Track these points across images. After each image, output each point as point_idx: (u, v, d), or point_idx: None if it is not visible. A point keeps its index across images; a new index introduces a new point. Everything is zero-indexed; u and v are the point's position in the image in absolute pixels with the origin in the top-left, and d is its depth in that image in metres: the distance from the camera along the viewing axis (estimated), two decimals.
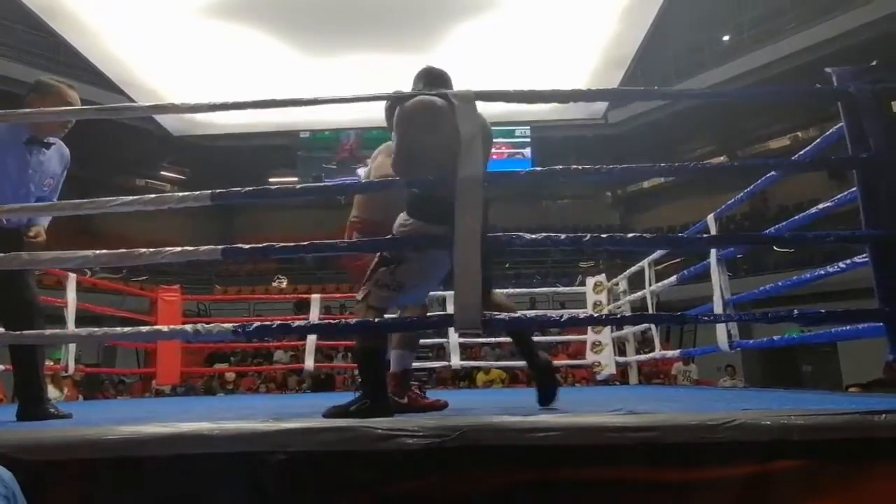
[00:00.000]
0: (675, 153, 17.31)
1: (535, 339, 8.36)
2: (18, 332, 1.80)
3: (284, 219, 16.97)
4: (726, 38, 15.03)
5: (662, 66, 14.66)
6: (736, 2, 14.58)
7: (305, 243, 1.75)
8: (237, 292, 13.13)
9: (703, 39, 14.64)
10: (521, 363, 9.19)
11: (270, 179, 17.12)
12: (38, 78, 2.48)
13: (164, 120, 5.49)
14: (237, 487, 1.43)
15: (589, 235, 1.73)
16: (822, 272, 2.42)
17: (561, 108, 5.67)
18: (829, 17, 12.03)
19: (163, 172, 17.79)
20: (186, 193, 1.76)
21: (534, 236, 1.73)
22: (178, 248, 1.73)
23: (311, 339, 5.50)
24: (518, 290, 7.73)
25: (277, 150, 15.60)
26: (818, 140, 2.33)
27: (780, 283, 2.79)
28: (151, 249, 1.77)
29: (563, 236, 1.79)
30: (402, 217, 2.11)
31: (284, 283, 14.48)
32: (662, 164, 1.90)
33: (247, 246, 1.78)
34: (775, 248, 3.43)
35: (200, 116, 5.44)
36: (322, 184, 2.16)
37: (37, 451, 1.28)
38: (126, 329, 1.89)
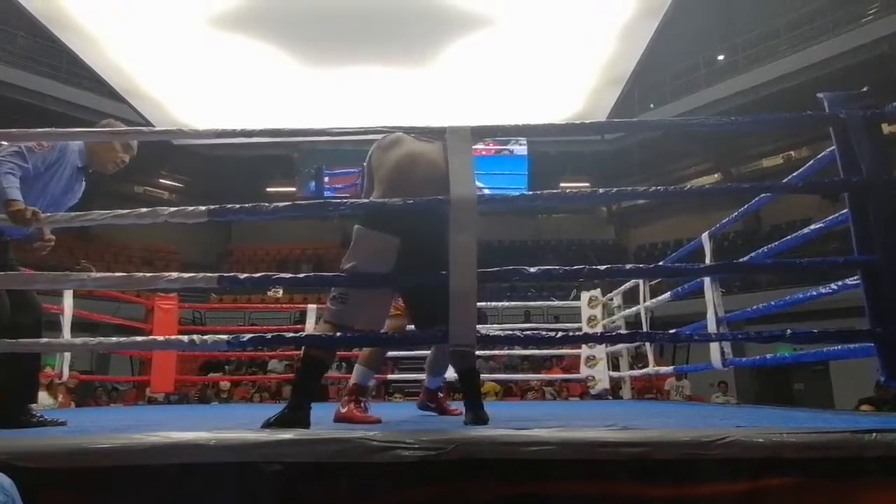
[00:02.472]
0: (669, 170, 17.45)
1: (531, 351, 8.27)
2: (15, 341, 1.81)
3: (282, 227, 16.98)
4: (721, 57, 15.23)
5: (658, 84, 14.84)
6: (731, 23, 14.81)
7: (303, 275, 1.79)
8: (233, 301, 13.10)
9: (699, 59, 14.83)
10: (516, 376, 9.14)
11: (268, 189, 17.16)
12: (109, 120, 2.59)
13: (164, 126, 5.53)
14: (232, 498, 1.44)
15: (586, 268, 1.76)
16: (815, 293, 2.45)
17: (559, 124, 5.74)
18: (821, 40, 12.23)
19: (161, 180, 17.80)
20: (180, 208, 1.77)
21: (533, 270, 1.76)
22: (175, 275, 1.75)
23: None
24: (512, 303, 7.75)
25: (275, 159, 15.66)
26: (811, 162, 2.37)
27: (772, 303, 2.82)
28: (150, 275, 1.79)
29: (561, 269, 1.81)
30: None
31: (280, 293, 14.45)
32: (659, 188, 1.93)
33: (243, 276, 1.81)
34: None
35: (201, 124, 5.47)
36: (319, 200, 2.18)
37: (35, 459, 1.29)
38: (122, 339, 1.90)
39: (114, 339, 1.92)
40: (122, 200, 15.21)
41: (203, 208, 1.78)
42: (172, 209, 1.79)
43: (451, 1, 4.28)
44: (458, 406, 3.31)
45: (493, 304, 6.44)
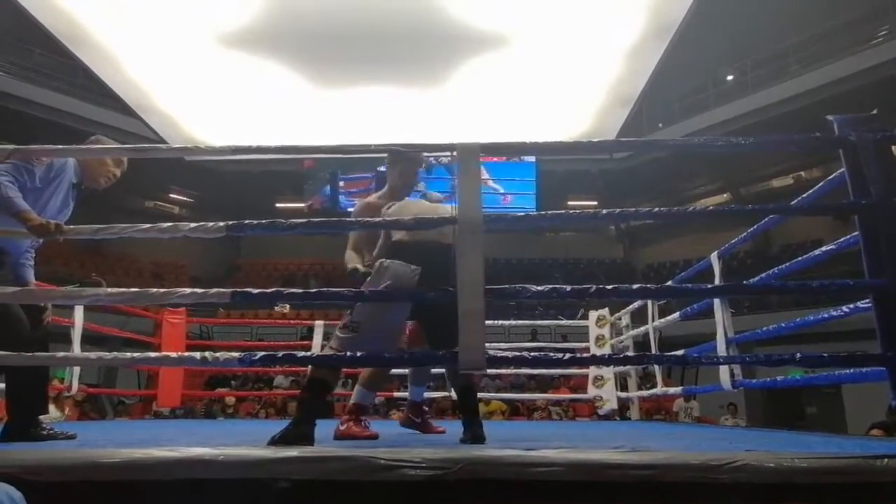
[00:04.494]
0: (678, 189, 17.42)
1: (539, 371, 8.18)
2: (30, 354, 1.83)
3: (291, 242, 17.05)
4: (730, 77, 15.25)
5: (667, 104, 14.86)
6: (740, 43, 14.83)
7: (314, 290, 1.80)
8: (240, 316, 13.12)
9: (707, 79, 14.86)
10: (523, 395, 9.07)
11: (277, 204, 17.27)
12: (98, 136, 2.67)
13: (175, 142, 5.60)
14: None
15: (594, 287, 1.76)
16: (826, 315, 2.44)
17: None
18: (831, 61, 12.23)
19: (171, 195, 17.95)
20: (201, 224, 1.80)
21: (540, 288, 1.76)
22: (188, 290, 1.77)
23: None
24: (520, 321, 7.72)
25: (285, 175, 15.76)
26: (821, 184, 2.37)
27: (782, 325, 2.80)
28: (163, 290, 1.81)
29: (568, 288, 1.82)
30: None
31: (287, 309, 14.47)
32: (664, 209, 1.93)
33: (255, 291, 1.82)
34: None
35: (212, 139, 5.55)
36: (335, 219, 2.21)
37: (46, 472, 1.29)
38: (136, 354, 1.92)
39: (129, 354, 1.94)
40: (131, 215, 15.35)
41: (222, 224, 1.81)
42: (193, 224, 1.82)
43: (461, 22, 4.33)
44: (443, 424, 3.31)
45: (500, 322, 6.42)
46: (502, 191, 14.47)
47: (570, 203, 17.34)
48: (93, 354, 1.88)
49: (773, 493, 1.40)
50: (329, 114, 5.22)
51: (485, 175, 14.81)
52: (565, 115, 5.46)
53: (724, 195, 16.91)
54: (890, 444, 1.57)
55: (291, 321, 10.31)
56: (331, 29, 4.42)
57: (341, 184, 14.95)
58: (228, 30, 4.44)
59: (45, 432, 2.17)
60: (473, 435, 2.19)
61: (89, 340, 5.18)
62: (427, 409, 3.22)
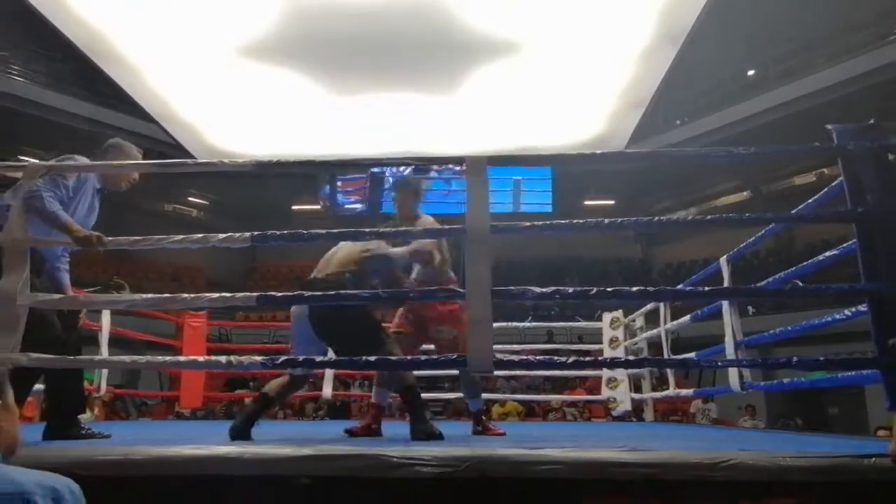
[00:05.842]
0: (696, 188, 17.26)
1: (553, 372, 8.16)
2: (73, 357, 1.96)
3: (306, 246, 17.20)
4: (751, 72, 14.96)
5: (685, 100, 14.64)
6: (761, 36, 14.53)
7: (335, 292, 1.89)
8: (258, 318, 13.31)
9: (727, 74, 14.58)
10: (538, 396, 9.10)
11: (294, 207, 17.48)
12: (118, 139, 2.78)
13: (195, 149, 5.77)
14: None
15: (595, 289, 1.83)
16: (829, 318, 2.49)
17: (580, 146, 5.81)
18: (856, 54, 11.94)
19: (189, 198, 18.25)
20: (229, 235, 1.92)
21: (543, 290, 1.85)
22: (217, 295, 1.88)
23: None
24: (535, 323, 7.76)
25: (301, 178, 15.94)
26: (825, 190, 2.42)
27: (788, 328, 2.85)
28: (192, 295, 1.93)
29: (571, 289, 1.89)
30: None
31: None
32: (680, 218, 2.00)
33: (279, 294, 1.93)
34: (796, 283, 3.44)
35: (230, 147, 5.70)
36: (353, 230, 2.31)
37: (92, 468, 1.41)
38: (167, 358, 2.05)
39: (160, 357, 2.07)
40: (151, 217, 15.65)
41: (247, 234, 1.94)
42: (222, 235, 1.94)
43: (475, 29, 4.41)
44: (456, 426, 3.43)
45: (516, 324, 6.47)
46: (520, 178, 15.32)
47: (586, 203, 17.30)
48: (126, 358, 2.01)
49: (765, 490, 1.47)
50: (343, 121, 5.34)
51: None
52: (578, 118, 5.52)
53: (745, 193, 16.68)
54: (880, 444, 1.63)
55: None
56: (345, 39, 4.52)
57: (339, 184, 16.17)
58: (246, 42, 4.57)
59: (83, 432, 2.30)
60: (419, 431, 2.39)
61: (112, 343, 5.35)
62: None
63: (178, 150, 7.24)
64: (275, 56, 4.77)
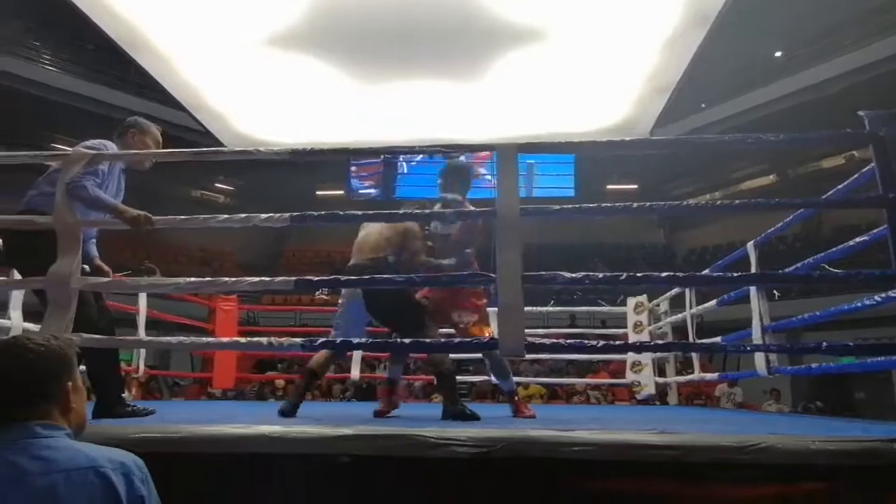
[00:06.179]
0: (721, 171, 17.01)
1: (576, 356, 8.16)
2: (137, 338, 2.07)
3: (332, 229, 17.42)
4: (779, 54, 14.67)
5: (711, 83, 14.40)
6: (789, 18, 14.23)
7: (369, 276, 1.96)
8: (284, 301, 13.54)
9: (755, 56, 14.32)
10: (562, 380, 9.12)
11: (318, 192, 17.66)
12: (136, 117, 2.82)
13: (224, 137, 5.87)
14: (307, 485, 1.63)
15: (625, 275, 1.87)
16: (860, 304, 2.49)
17: (604, 131, 5.77)
18: (887, 35, 11.68)
19: (216, 184, 18.54)
20: (270, 215, 2.01)
21: (573, 275, 1.89)
22: (256, 279, 1.97)
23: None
24: (558, 307, 7.80)
25: (324, 164, 16.09)
26: (855, 176, 2.41)
27: (817, 313, 2.85)
28: (233, 279, 2.02)
29: (601, 275, 1.93)
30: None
31: (326, 295, 14.88)
32: (709, 203, 2.02)
33: (316, 278, 2.01)
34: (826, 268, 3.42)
35: (258, 135, 5.80)
36: (387, 212, 2.36)
37: (147, 445, 1.50)
38: (210, 339, 2.16)
39: (204, 339, 2.19)
40: (179, 203, 15.94)
41: (286, 215, 2.02)
42: (264, 216, 2.03)
43: (500, 15, 4.40)
44: (481, 408, 3.54)
45: (539, 308, 6.51)
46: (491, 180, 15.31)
47: (608, 188, 17.18)
48: (174, 339, 2.11)
49: (793, 473, 1.51)
50: (370, 109, 5.37)
51: (482, 170, 15.45)
52: (602, 103, 5.46)
53: (771, 177, 16.43)
54: None
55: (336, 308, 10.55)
56: (372, 26, 4.54)
57: (353, 168, 16.53)
58: (274, 30, 4.62)
59: (128, 409, 2.41)
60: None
61: (147, 325, 5.52)
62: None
63: (207, 135, 7.39)
64: (302, 45, 4.81)
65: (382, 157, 15.12)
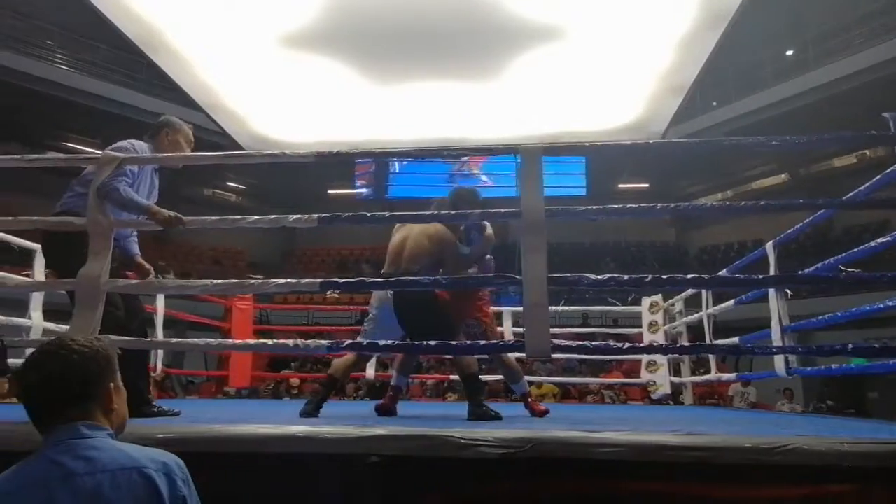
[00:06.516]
0: (733, 170, 16.90)
1: (590, 357, 8.16)
2: (164, 340, 2.10)
3: (344, 229, 17.46)
4: (790, 52, 14.57)
5: (722, 82, 14.30)
6: (800, 16, 14.13)
7: (393, 279, 1.98)
8: (296, 301, 13.60)
9: (766, 55, 14.24)
10: (574, 379, 9.11)
11: (329, 191, 17.71)
12: (168, 116, 2.86)
13: (241, 138, 5.92)
14: (336, 484, 1.65)
15: (650, 277, 1.88)
16: (881, 305, 2.48)
17: (618, 130, 5.78)
18: None
19: (228, 183, 18.63)
20: (299, 216, 2.03)
21: (598, 277, 1.90)
22: (283, 280, 1.99)
23: None
24: (571, 307, 7.78)
25: (336, 164, 16.13)
26: (878, 177, 2.40)
27: (839, 314, 2.84)
28: (260, 280, 2.04)
29: (625, 277, 1.94)
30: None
31: (337, 294, 14.93)
32: (725, 203, 2.02)
33: (341, 280, 2.04)
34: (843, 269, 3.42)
35: (274, 135, 5.85)
36: (412, 213, 2.37)
37: (190, 444, 1.53)
38: (237, 341, 2.18)
39: (230, 340, 2.21)
40: (191, 203, 16.05)
41: (315, 216, 2.05)
42: (292, 217, 2.06)
43: (516, 15, 4.42)
44: (495, 406, 3.58)
45: (551, 308, 6.48)
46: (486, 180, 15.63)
47: (620, 187, 17.10)
48: (200, 341, 2.15)
49: (821, 474, 1.51)
50: (386, 109, 5.41)
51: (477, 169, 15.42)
52: (616, 103, 5.48)
53: (782, 176, 16.30)
54: None
55: (350, 307, 10.61)
56: (387, 26, 4.58)
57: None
58: (290, 31, 4.67)
59: (154, 409, 2.44)
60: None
61: (164, 324, 5.56)
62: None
63: (223, 136, 7.46)
64: (317, 46, 4.85)
65: (374, 157, 15.27)
